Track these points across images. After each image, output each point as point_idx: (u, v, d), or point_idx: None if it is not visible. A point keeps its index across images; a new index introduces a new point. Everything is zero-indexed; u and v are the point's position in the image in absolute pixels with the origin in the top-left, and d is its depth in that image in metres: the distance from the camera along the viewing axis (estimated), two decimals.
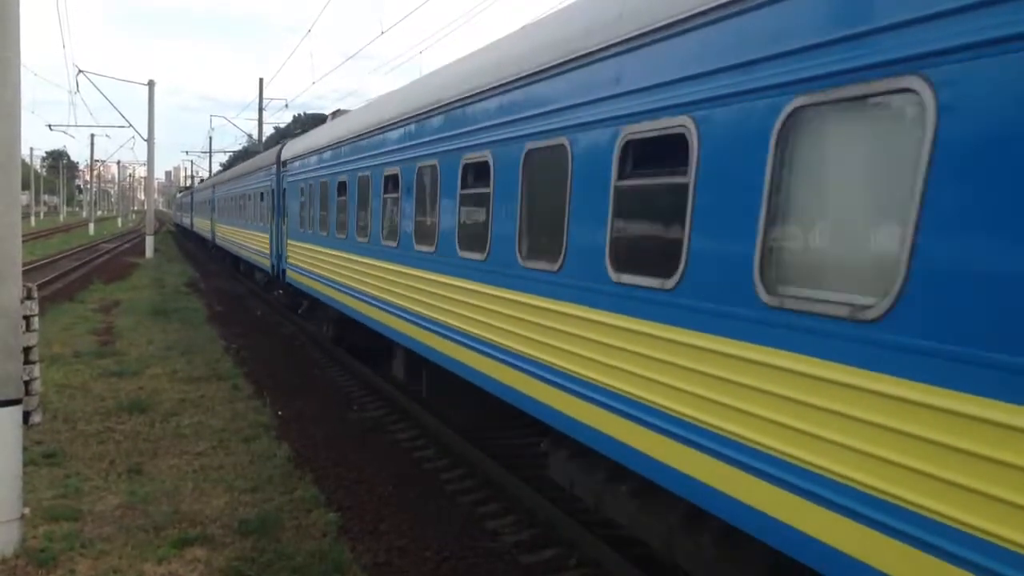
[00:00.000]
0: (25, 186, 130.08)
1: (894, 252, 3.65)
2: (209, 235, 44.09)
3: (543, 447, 7.85)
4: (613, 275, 5.84)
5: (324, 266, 15.56)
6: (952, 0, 3.42)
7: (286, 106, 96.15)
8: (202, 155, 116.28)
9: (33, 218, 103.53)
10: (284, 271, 20.65)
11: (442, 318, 9.15)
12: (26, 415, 7.48)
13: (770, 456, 4.31)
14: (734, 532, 4.77)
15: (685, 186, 5.05)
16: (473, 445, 10.44)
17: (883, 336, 3.67)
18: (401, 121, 10.86)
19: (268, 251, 23.21)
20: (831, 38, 4.03)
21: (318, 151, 16.67)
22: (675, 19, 5.13)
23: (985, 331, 3.25)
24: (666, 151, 5.29)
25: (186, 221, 67.82)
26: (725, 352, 4.64)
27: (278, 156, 21.97)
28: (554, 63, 6.66)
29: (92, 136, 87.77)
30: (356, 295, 13.02)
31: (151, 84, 43.82)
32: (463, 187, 8.66)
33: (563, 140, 6.56)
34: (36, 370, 11.32)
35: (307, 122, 68.56)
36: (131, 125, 49.79)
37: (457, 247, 8.73)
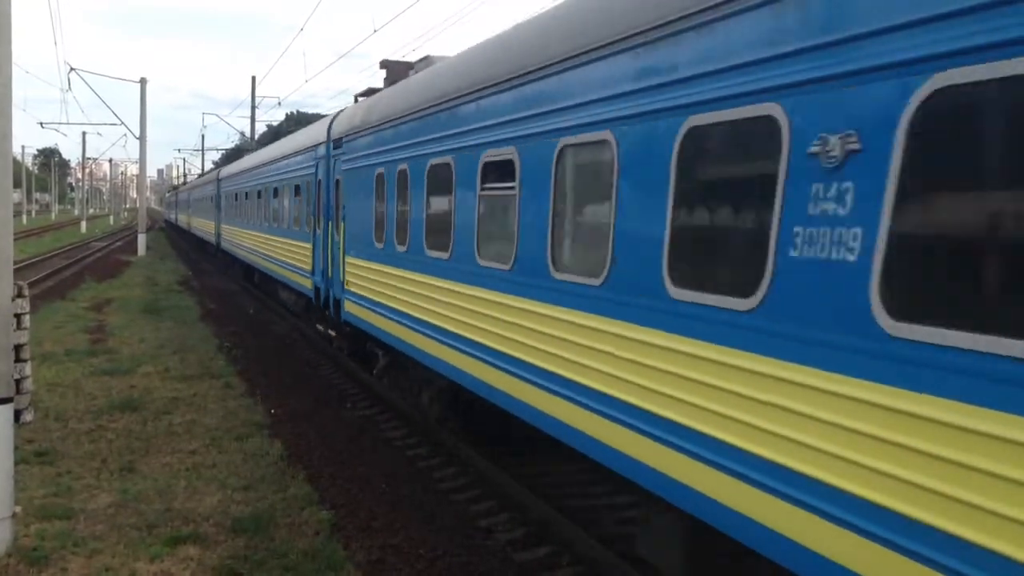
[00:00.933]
0: (17, 184, 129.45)
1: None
2: (212, 238, 38.03)
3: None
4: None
5: (416, 302, 9.72)
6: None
7: (279, 104, 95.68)
8: (194, 153, 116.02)
9: (25, 216, 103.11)
10: (338, 302, 13.77)
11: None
12: (17, 413, 7.45)
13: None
14: None
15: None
16: (466, 444, 10.43)
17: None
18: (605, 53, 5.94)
19: (309, 268, 16.19)
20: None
21: (410, 116, 10.11)
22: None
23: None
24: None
25: (182, 221, 62.51)
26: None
27: (328, 131, 14.86)
28: None
29: (84, 134, 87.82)
30: (483, 356, 7.95)
31: (143, 82, 43.67)
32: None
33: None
34: (27, 368, 11.27)
35: (300, 120, 68.48)
36: (123, 123, 49.62)
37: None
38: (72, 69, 42.60)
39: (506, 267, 7.37)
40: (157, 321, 21.08)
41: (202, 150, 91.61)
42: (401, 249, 10.29)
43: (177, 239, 66.15)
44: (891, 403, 3.55)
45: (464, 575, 7.24)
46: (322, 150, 15.26)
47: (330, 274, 14.45)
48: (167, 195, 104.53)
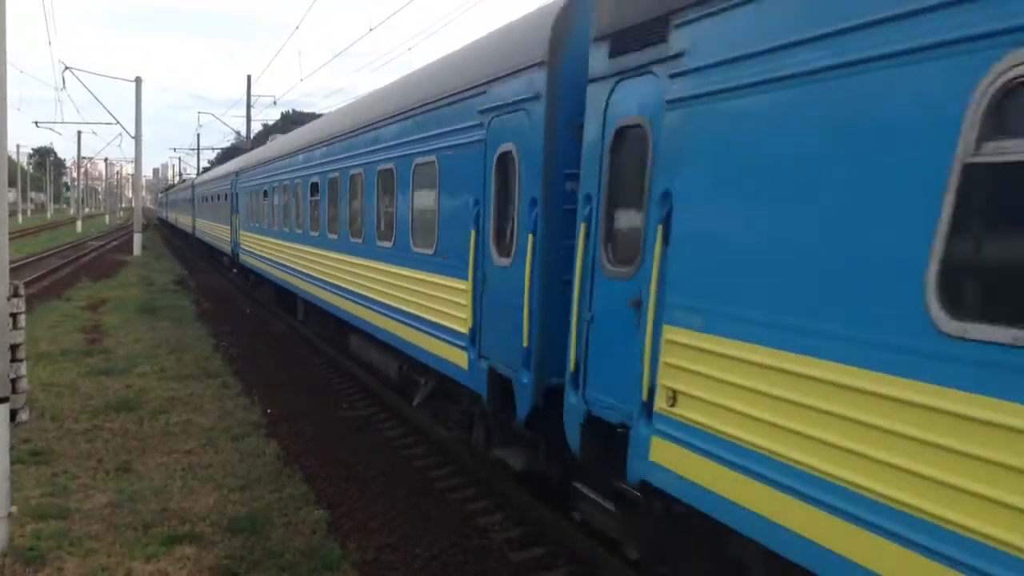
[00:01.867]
0: (12, 183, 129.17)
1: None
2: (229, 246, 29.76)
3: None
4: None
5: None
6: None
7: (274, 103, 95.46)
8: (190, 152, 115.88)
9: (20, 215, 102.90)
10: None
11: None
12: (13, 413, 7.44)
13: None
14: None
15: None
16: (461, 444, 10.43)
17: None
18: None
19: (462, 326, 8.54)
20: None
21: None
22: None
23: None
24: None
25: (183, 223, 56.96)
26: None
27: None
28: None
29: (79, 133, 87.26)
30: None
31: (138, 81, 43.57)
32: None
33: None
34: (23, 368, 11.26)
35: (296, 119, 68.36)
36: (118, 122, 49.53)
37: None
38: (67, 68, 42.56)
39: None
40: (153, 321, 21.05)
41: (197, 149, 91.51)
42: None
43: (171, 237, 66.03)
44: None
45: (460, 574, 7.25)
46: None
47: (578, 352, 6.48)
48: (159, 195, 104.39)
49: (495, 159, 7.79)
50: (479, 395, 8.17)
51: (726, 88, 4.79)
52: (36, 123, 65.51)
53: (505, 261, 7.60)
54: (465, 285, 8.29)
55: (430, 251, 9.31)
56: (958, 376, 3.45)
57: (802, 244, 4.25)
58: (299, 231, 16.93)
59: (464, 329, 8.32)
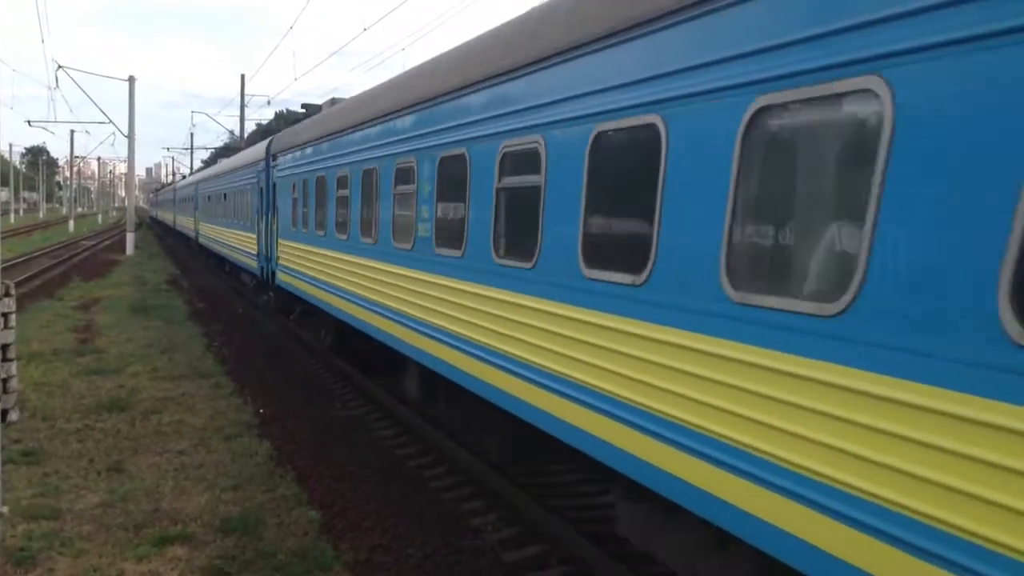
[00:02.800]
0: (4, 182, 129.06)
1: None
2: (254, 259, 22.16)
3: None
4: None
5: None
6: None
7: (268, 103, 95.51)
8: (183, 151, 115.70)
9: (12, 215, 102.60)
10: None
11: None
12: (4, 413, 7.41)
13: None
14: None
15: None
16: (456, 443, 10.43)
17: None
18: None
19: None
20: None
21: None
22: None
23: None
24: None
25: (183, 225, 52.05)
26: None
27: None
28: None
29: (72, 132, 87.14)
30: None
31: (131, 80, 43.46)
32: None
33: None
34: (14, 368, 11.21)
35: (290, 119, 68.28)
36: (111, 121, 49.35)
37: None
38: (60, 67, 42.42)
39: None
40: (145, 320, 20.99)
41: (191, 149, 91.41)
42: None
43: (164, 235, 65.90)
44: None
45: (453, 575, 7.24)
46: None
47: None
48: (150, 195, 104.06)
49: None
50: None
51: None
52: (29, 122, 65.24)
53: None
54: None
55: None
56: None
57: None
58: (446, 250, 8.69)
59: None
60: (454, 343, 8.27)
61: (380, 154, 10.91)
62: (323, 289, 13.78)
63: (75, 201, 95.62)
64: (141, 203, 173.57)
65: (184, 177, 67.60)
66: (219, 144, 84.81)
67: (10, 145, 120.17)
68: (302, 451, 10.41)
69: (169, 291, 28.42)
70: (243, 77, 55.42)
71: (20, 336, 12.14)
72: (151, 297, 25.90)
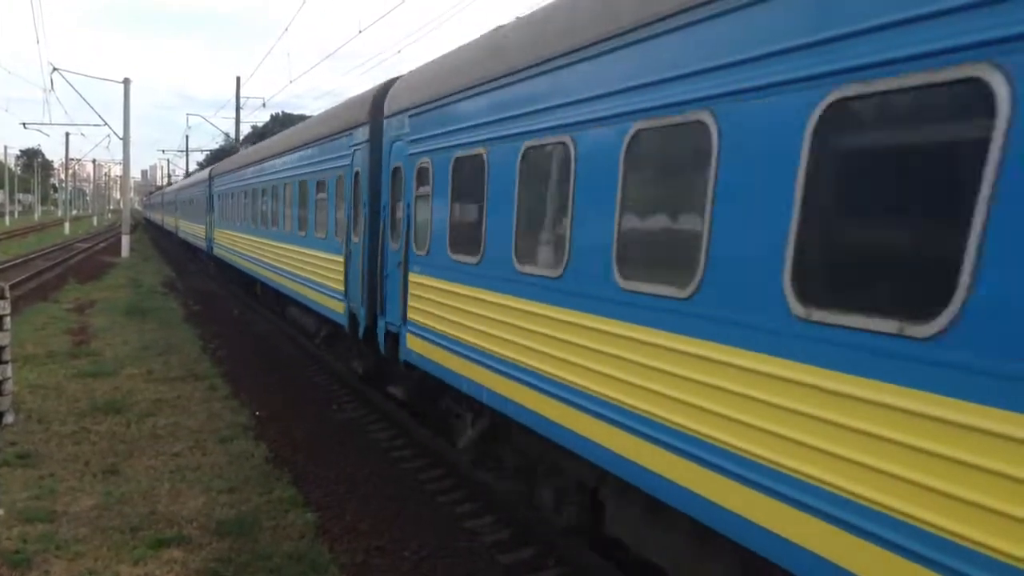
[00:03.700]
0: None
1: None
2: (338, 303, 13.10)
3: None
4: None
5: None
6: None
7: (263, 105, 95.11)
8: (179, 154, 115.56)
9: (7, 217, 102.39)
10: None
11: None
12: None
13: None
14: None
15: None
16: (451, 446, 10.43)
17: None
18: None
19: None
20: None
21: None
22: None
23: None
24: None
25: (188, 231, 43.68)
26: None
27: None
28: None
29: (67, 134, 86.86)
30: None
31: (126, 82, 43.39)
32: None
33: None
34: (9, 370, 11.26)
35: (285, 121, 68.26)
36: (106, 123, 49.31)
37: None
38: (55, 69, 42.32)
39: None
40: (141, 323, 20.96)
41: (186, 151, 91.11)
42: None
43: (160, 238, 65.78)
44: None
45: None
46: None
47: None
48: (143, 199, 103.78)
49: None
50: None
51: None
52: (24, 124, 65.34)
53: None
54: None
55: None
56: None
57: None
58: None
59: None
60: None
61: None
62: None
63: (70, 203, 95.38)
64: (136, 205, 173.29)
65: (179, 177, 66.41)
66: (215, 146, 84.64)
67: (5, 147, 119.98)
68: (298, 453, 10.41)
69: (165, 293, 28.37)
70: (238, 79, 55.25)
71: (15, 338, 12.14)
72: (147, 299, 25.85)
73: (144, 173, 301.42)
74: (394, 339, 10.29)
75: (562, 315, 6.28)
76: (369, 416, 12.60)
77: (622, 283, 5.54)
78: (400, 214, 9.95)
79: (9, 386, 11.25)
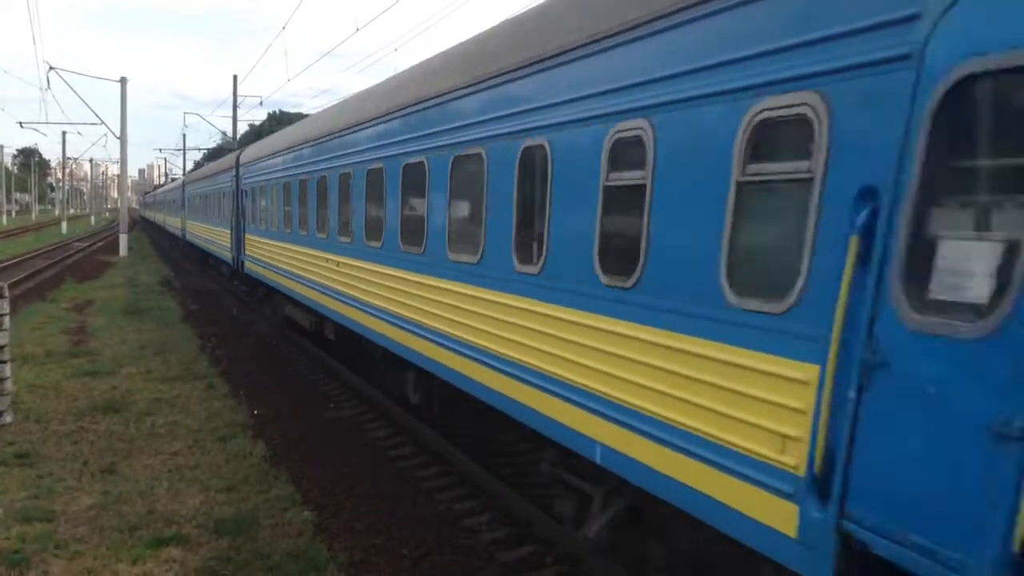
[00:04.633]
0: None
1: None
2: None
3: None
4: None
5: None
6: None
7: (261, 104, 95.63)
8: (176, 153, 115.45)
9: (4, 216, 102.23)
10: None
11: None
12: None
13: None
14: None
15: None
16: (449, 443, 10.45)
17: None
18: None
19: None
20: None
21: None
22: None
23: None
24: None
25: (199, 235, 35.21)
26: None
27: None
28: None
29: (64, 134, 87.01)
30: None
31: (123, 81, 43.35)
32: None
33: None
34: (7, 370, 11.27)
35: (282, 119, 68.16)
36: (103, 123, 49.26)
37: None
38: (51, 68, 42.33)
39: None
40: (139, 322, 20.96)
41: (183, 150, 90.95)
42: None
43: (159, 238, 65.74)
44: None
45: (448, 575, 7.26)
46: None
47: None
48: (141, 198, 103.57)
49: None
50: None
51: None
52: (21, 123, 65.21)
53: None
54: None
55: None
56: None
57: None
58: None
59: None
60: None
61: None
62: None
63: (67, 203, 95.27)
64: (133, 204, 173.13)
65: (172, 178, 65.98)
66: (212, 145, 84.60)
67: (1, 146, 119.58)
68: (296, 452, 10.42)
69: (162, 292, 28.35)
70: (235, 78, 55.19)
71: (13, 338, 12.14)
72: (144, 299, 25.84)
73: (141, 172, 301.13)
74: None
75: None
76: (366, 415, 12.60)
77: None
78: None
79: (8, 386, 11.26)
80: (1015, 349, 3.13)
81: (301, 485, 9.21)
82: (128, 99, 43.51)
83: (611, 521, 6.30)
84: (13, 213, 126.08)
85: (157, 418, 11.73)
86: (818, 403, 3.92)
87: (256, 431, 11.24)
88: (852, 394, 3.74)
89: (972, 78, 3.38)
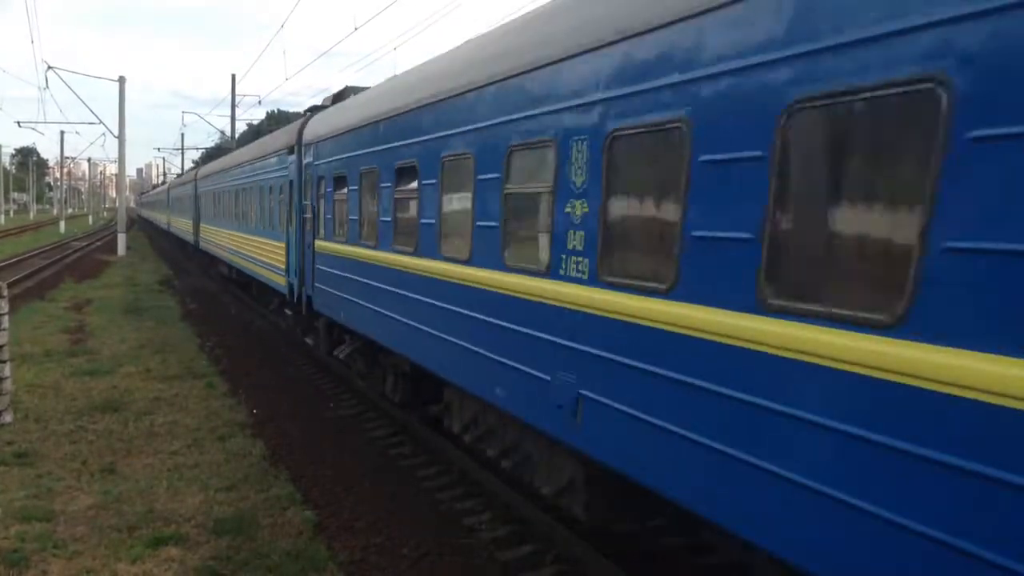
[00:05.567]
0: None
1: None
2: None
3: None
4: None
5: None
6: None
7: (259, 103, 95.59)
8: (174, 152, 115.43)
9: (2, 216, 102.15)
10: None
11: None
12: None
13: None
14: None
15: None
16: (449, 442, 10.43)
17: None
18: None
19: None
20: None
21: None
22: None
23: None
24: None
25: (222, 243, 27.94)
26: None
27: None
28: None
29: (62, 133, 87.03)
30: None
31: (121, 80, 43.30)
32: None
33: None
34: (6, 369, 11.25)
35: (280, 119, 68.13)
36: (101, 122, 49.23)
37: None
38: (50, 67, 42.27)
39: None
40: (138, 321, 20.94)
41: (182, 149, 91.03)
42: None
43: (158, 239, 65.67)
44: None
45: (447, 574, 7.25)
46: None
47: None
48: (138, 197, 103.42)
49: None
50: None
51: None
52: (18, 123, 64.99)
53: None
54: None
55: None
56: None
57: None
58: None
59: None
60: None
61: None
62: None
63: (65, 202, 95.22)
64: (131, 203, 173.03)
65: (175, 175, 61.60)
66: (210, 144, 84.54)
67: None
68: (296, 451, 10.41)
69: (161, 292, 28.34)
70: (233, 77, 55.17)
71: (12, 337, 12.12)
72: (143, 298, 25.83)
73: (139, 171, 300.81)
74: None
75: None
76: (366, 414, 12.60)
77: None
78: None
79: (7, 385, 11.24)
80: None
81: (301, 484, 9.20)
82: (126, 98, 43.50)
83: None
84: (11, 213, 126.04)
85: (156, 417, 11.72)
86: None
87: (255, 430, 11.23)
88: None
89: None
